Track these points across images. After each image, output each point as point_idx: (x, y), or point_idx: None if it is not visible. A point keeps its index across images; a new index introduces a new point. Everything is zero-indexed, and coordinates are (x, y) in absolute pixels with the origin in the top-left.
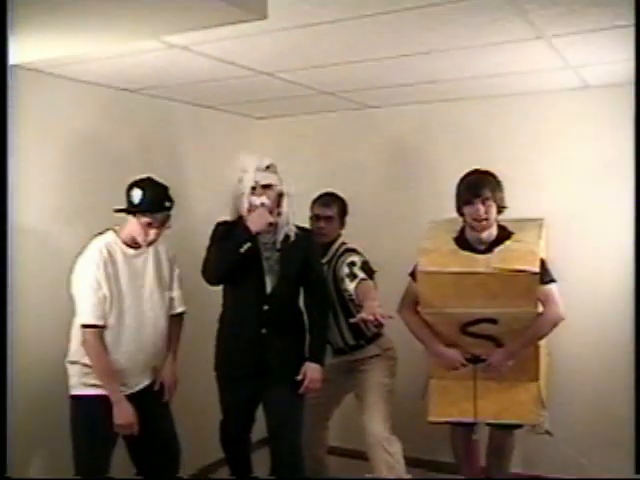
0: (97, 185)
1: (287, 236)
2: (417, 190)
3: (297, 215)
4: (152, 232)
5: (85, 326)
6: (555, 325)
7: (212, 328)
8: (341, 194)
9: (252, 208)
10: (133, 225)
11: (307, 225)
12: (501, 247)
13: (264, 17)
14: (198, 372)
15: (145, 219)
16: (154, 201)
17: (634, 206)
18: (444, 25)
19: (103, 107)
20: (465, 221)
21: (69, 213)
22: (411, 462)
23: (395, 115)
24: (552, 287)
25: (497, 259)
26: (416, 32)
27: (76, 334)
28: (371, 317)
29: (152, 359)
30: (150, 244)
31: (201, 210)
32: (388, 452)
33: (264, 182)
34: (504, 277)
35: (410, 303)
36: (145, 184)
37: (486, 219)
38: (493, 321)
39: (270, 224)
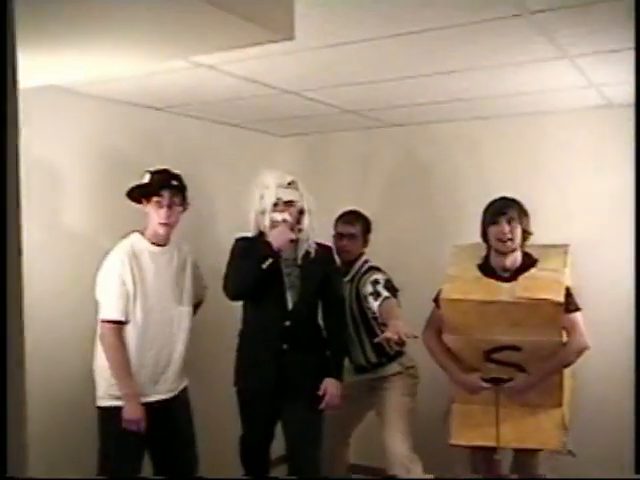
0: (122, 202)
1: (307, 252)
2: (439, 209)
3: (320, 233)
4: (163, 212)
5: (104, 321)
6: (580, 354)
7: (231, 342)
8: (364, 212)
9: (274, 224)
10: (149, 216)
11: (330, 243)
12: (525, 275)
13: (291, 38)
14: (217, 386)
15: (154, 199)
16: (160, 179)
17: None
18: (468, 45)
19: (129, 125)
20: (489, 246)
21: (94, 229)
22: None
23: (418, 134)
24: (577, 315)
25: (521, 287)
26: (440, 52)
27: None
28: (396, 336)
29: (178, 358)
30: (167, 227)
31: (223, 226)
32: (409, 470)
33: (286, 198)
34: (528, 306)
35: (433, 329)
36: (155, 170)
37: (511, 239)
38: (517, 349)
39: (291, 240)
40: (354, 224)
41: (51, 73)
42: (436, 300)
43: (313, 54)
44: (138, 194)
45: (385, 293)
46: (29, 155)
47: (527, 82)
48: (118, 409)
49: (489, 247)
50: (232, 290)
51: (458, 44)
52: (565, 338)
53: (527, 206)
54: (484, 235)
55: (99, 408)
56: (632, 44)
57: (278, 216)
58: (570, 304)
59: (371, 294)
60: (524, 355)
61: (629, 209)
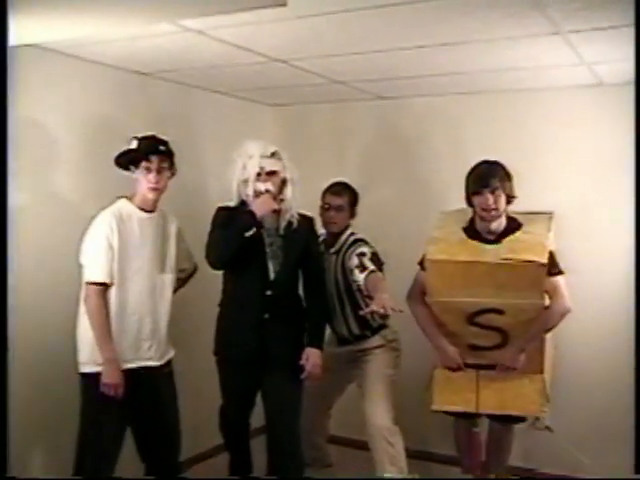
0: (109, 166)
1: (290, 223)
2: (427, 182)
3: (304, 203)
4: (152, 177)
5: (90, 283)
6: (562, 317)
7: (211, 312)
8: (352, 184)
9: (257, 194)
10: (137, 181)
11: (317, 214)
12: (510, 238)
13: (283, 4)
14: (197, 356)
15: (143, 164)
16: (148, 145)
17: (635, 204)
18: (461, 18)
19: (116, 89)
20: (475, 212)
21: (81, 193)
22: (412, 454)
23: (408, 107)
24: (560, 279)
25: (505, 249)
26: (432, 24)
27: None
28: (382, 309)
29: (162, 327)
30: (156, 191)
31: (209, 194)
32: (390, 443)
33: (269, 168)
34: (512, 267)
35: (418, 293)
36: (142, 137)
37: (495, 209)
38: (500, 312)
39: (274, 210)
40: (342, 195)
41: (37, 32)
42: (421, 263)
43: (304, 22)
44: (126, 160)
45: (371, 266)
46: (11, 117)
47: (519, 57)
48: (100, 375)
49: (474, 212)
50: (214, 258)
51: (451, 16)
52: (548, 301)
53: (515, 177)
54: (468, 200)
55: (81, 374)
56: (627, 21)
57: (261, 186)
58: (553, 267)
59: (357, 267)
60: (507, 319)
61: (615, 180)
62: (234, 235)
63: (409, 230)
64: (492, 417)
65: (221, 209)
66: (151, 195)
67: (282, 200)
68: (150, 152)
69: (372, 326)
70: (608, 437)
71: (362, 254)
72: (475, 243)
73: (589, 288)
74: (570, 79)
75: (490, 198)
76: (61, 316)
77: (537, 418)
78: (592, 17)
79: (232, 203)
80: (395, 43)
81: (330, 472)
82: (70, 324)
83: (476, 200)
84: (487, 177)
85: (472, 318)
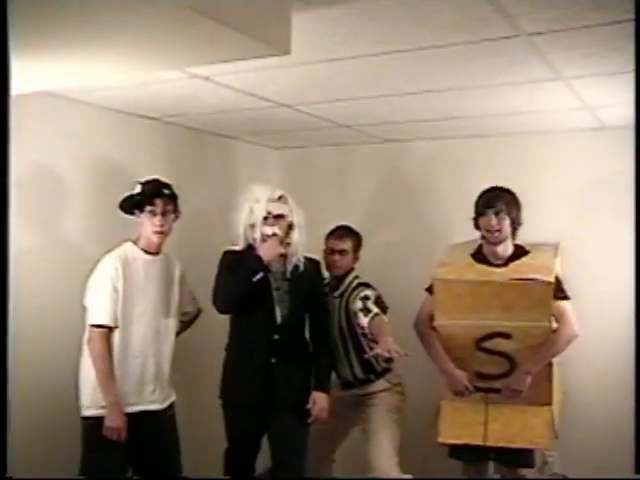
0: (115, 210)
1: (296, 266)
2: (432, 225)
3: (311, 247)
4: (157, 220)
5: (93, 325)
6: (570, 342)
7: (215, 355)
8: (355, 228)
9: (264, 238)
10: (142, 225)
11: (320, 258)
12: (517, 262)
13: (287, 52)
14: (201, 399)
15: (147, 208)
16: (152, 189)
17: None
18: (464, 64)
19: (123, 133)
20: (482, 237)
21: (87, 237)
22: None
23: (412, 150)
24: (567, 304)
25: (512, 270)
26: (436, 70)
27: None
28: (386, 353)
29: (164, 370)
30: (161, 235)
31: (214, 238)
32: None
33: (276, 212)
34: (519, 286)
35: (425, 318)
36: (145, 181)
37: (498, 230)
38: (507, 336)
39: (281, 255)
40: (345, 239)
41: (45, 80)
42: (429, 289)
43: (309, 68)
44: (130, 205)
45: (375, 309)
46: (21, 162)
47: (522, 102)
48: (103, 419)
49: (482, 237)
50: (222, 303)
51: (453, 63)
52: (555, 325)
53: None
54: (476, 225)
55: (83, 418)
56: (627, 67)
57: (268, 230)
58: (560, 292)
59: (361, 310)
60: (514, 344)
61: (618, 224)
62: (241, 280)
63: (413, 273)
64: (499, 461)
65: (228, 253)
66: (156, 238)
67: (289, 244)
68: (154, 195)
69: (376, 370)
70: (620, 472)
71: (366, 297)
72: (483, 266)
73: (590, 317)
74: (572, 122)
75: (494, 219)
76: (64, 359)
77: (545, 463)
78: (593, 64)
79: (239, 247)
80: (399, 88)
81: None
82: (73, 367)
83: (481, 222)
84: (492, 199)
85: (479, 343)
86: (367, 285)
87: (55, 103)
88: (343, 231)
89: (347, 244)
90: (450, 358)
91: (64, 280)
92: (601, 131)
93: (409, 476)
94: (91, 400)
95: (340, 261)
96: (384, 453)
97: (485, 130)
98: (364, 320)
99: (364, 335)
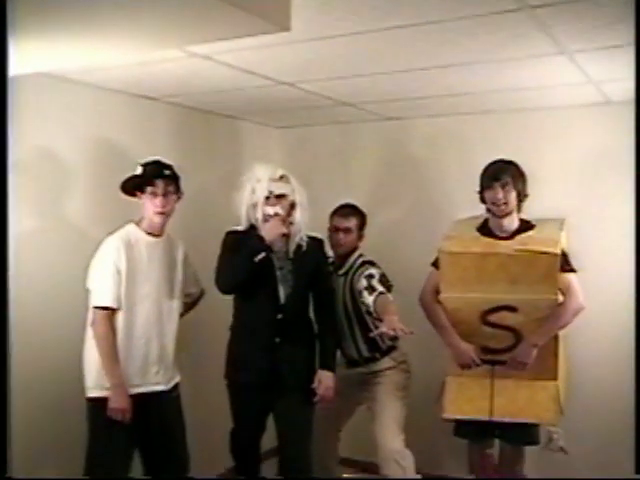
0: (114, 190)
1: (299, 245)
2: (435, 202)
3: (313, 224)
4: (158, 201)
5: (97, 307)
6: (576, 315)
7: (221, 336)
8: (360, 206)
9: (266, 218)
10: (144, 206)
11: (324, 236)
12: (523, 235)
13: (287, 29)
14: (205, 380)
15: (149, 189)
16: (153, 170)
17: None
18: (466, 39)
19: (123, 114)
20: (487, 210)
21: (87, 218)
22: (424, 477)
23: (415, 127)
24: (573, 276)
25: (518, 242)
26: (438, 45)
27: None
28: (392, 332)
29: (169, 351)
30: (163, 215)
31: (217, 218)
32: (401, 466)
33: (278, 192)
34: (525, 258)
35: (431, 291)
36: (146, 162)
37: (505, 203)
38: (513, 309)
39: (283, 234)
40: (349, 218)
41: (45, 60)
42: (435, 263)
43: (309, 46)
44: (132, 186)
45: (380, 288)
46: (21, 145)
47: (525, 77)
48: (108, 400)
49: (488, 210)
50: (224, 284)
51: (455, 38)
52: (561, 298)
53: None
54: (482, 198)
55: (88, 399)
56: (632, 40)
57: (270, 210)
58: (566, 264)
59: (366, 288)
60: (520, 317)
61: (622, 198)
62: (244, 260)
63: (418, 251)
64: (504, 439)
65: (230, 233)
66: (158, 219)
67: (291, 223)
68: (155, 176)
69: (382, 348)
70: (624, 447)
71: (371, 276)
72: (488, 239)
73: (595, 291)
74: (577, 98)
75: (500, 192)
76: (68, 341)
77: (550, 439)
78: (597, 37)
79: (241, 227)
80: (401, 65)
81: None
82: (77, 349)
83: (487, 195)
84: (498, 172)
85: (485, 317)
86: (372, 263)
87: (54, 84)
88: (348, 209)
89: (352, 222)
90: (456, 333)
91: (67, 263)
92: (606, 106)
93: (418, 476)
94: (95, 382)
95: (344, 239)
96: (390, 431)
97: (489, 106)
98: (369, 298)
99: (369, 313)
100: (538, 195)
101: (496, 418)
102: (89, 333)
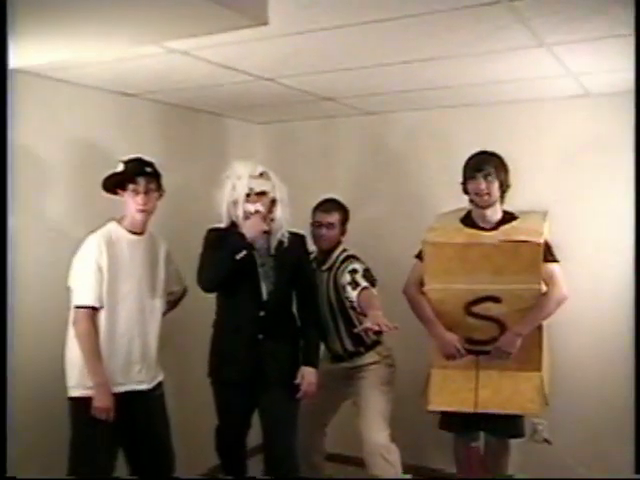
0: (95, 188)
1: (281, 242)
2: (418, 196)
3: (298, 221)
4: (140, 199)
5: (78, 306)
6: (559, 305)
7: (204, 332)
8: (342, 200)
9: (246, 215)
10: (126, 204)
11: (307, 232)
12: (506, 226)
13: (265, 23)
14: (189, 378)
15: (130, 187)
16: (134, 167)
17: (634, 209)
18: (445, 32)
19: (102, 111)
20: (470, 201)
21: (68, 216)
22: (410, 470)
23: (396, 121)
24: (556, 267)
25: (502, 233)
26: (417, 39)
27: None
28: (376, 327)
29: (151, 350)
30: (144, 213)
31: (197, 215)
32: (387, 460)
33: (258, 189)
34: (509, 248)
35: (416, 283)
36: (128, 159)
37: (488, 194)
38: (497, 300)
39: (265, 231)
40: (332, 213)
41: (21, 57)
42: (419, 255)
43: (288, 40)
44: (113, 183)
45: (364, 283)
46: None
47: (505, 70)
48: (90, 399)
49: (470, 201)
50: (206, 282)
51: (435, 31)
52: (544, 288)
53: None
54: (465, 189)
55: (70, 399)
56: (611, 32)
57: (251, 207)
58: (549, 254)
59: (349, 283)
60: (504, 307)
61: (603, 190)
62: (225, 258)
63: (401, 246)
64: (489, 431)
65: (212, 230)
66: (140, 217)
67: (272, 220)
68: (137, 174)
69: (366, 343)
70: (608, 437)
71: (354, 271)
72: (472, 230)
73: (578, 280)
74: (556, 90)
75: (483, 182)
76: (50, 341)
77: (535, 430)
78: (575, 30)
79: (222, 224)
80: (381, 59)
81: None
82: (59, 348)
83: (470, 186)
84: (481, 163)
85: (469, 308)
86: (355, 258)
87: (31, 81)
88: (330, 204)
89: (334, 217)
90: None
91: (48, 261)
92: (585, 98)
93: (409, 476)
94: (78, 381)
95: (327, 234)
96: (375, 426)
97: (469, 99)
98: (353, 294)
99: (353, 308)
100: (519, 187)
101: (480, 410)
102: (71, 332)
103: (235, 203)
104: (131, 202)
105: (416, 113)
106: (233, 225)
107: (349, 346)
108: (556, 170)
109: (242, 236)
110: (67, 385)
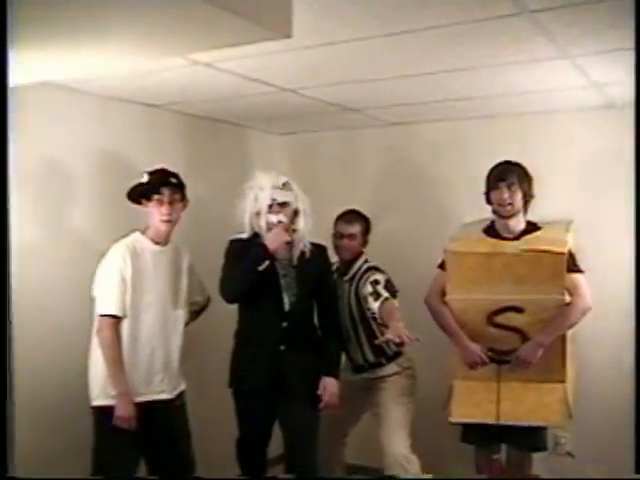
0: (122, 200)
1: (303, 253)
2: (440, 207)
3: (320, 232)
4: (165, 209)
5: (103, 315)
6: (583, 315)
7: (226, 343)
8: (364, 211)
9: (269, 226)
10: (150, 215)
11: (329, 243)
12: (529, 236)
13: (288, 36)
14: (211, 388)
15: (155, 197)
16: (159, 178)
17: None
18: (466, 44)
19: (126, 122)
20: (493, 211)
21: (94, 228)
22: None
23: (419, 132)
24: (580, 277)
25: (525, 243)
26: (439, 51)
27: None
28: (397, 339)
29: (173, 360)
30: (169, 223)
31: (220, 226)
32: (407, 471)
33: (281, 200)
34: (531, 258)
35: (438, 292)
36: (152, 170)
37: (510, 204)
38: (519, 310)
39: (287, 242)
40: (354, 223)
41: (47, 70)
42: (441, 265)
43: (311, 52)
44: (138, 194)
45: (385, 294)
46: (25, 155)
47: (528, 81)
48: (112, 408)
49: (493, 211)
50: (229, 292)
51: (457, 43)
52: (568, 299)
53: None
54: (488, 199)
55: (93, 407)
56: (632, 44)
57: (273, 218)
58: (573, 265)
59: (371, 294)
60: (526, 317)
61: (625, 201)
62: (248, 269)
63: (423, 256)
64: (511, 444)
65: (234, 241)
66: (164, 227)
67: (294, 231)
68: (161, 184)
69: (387, 353)
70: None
71: (376, 282)
72: (494, 240)
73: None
74: (579, 101)
75: (506, 192)
76: (73, 350)
77: (557, 443)
78: (598, 40)
79: (245, 235)
80: (404, 70)
81: None
82: (82, 359)
83: (493, 196)
84: (504, 173)
85: (491, 318)
86: (377, 269)
87: (58, 94)
88: (352, 215)
89: (356, 228)
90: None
91: (72, 271)
92: (609, 109)
93: (429, 476)
94: (100, 390)
95: (349, 245)
96: (396, 437)
97: (492, 111)
98: (374, 304)
99: (374, 319)
100: (542, 198)
101: (502, 421)
102: (94, 342)
103: (258, 214)
104: (155, 213)
105: (439, 124)
106: (255, 236)
107: (370, 357)
108: (579, 181)
109: (264, 247)
110: (90, 394)
